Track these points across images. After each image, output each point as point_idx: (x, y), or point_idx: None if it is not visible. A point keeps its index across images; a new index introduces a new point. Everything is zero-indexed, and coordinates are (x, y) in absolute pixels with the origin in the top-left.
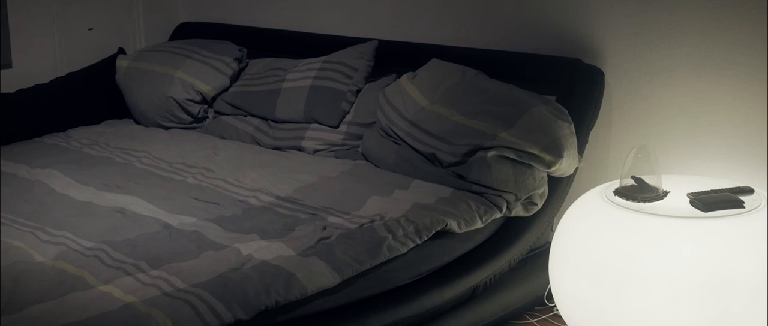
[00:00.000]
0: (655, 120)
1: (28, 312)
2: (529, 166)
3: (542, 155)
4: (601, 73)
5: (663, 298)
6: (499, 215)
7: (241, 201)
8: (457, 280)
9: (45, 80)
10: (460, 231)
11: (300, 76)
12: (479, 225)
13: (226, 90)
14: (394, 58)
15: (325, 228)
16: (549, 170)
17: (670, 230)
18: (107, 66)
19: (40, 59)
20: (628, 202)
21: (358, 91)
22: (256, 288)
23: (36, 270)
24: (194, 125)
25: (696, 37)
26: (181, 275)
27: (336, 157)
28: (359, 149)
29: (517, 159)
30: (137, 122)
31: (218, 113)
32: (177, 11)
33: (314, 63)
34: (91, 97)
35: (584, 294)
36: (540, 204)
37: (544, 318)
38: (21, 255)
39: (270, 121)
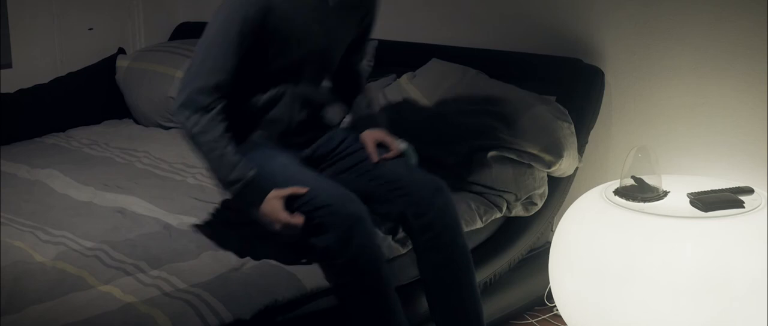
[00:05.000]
0: (655, 120)
1: (28, 312)
2: (529, 166)
3: (542, 155)
4: (601, 73)
5: (663, 298)
6: (499, 215)
7: None
8: None
9: (45, 80)
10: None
11: None
12: (479, 225)
13: None
14: (394, 58)
15: None
16: (549, 170)
17: (670, 230)
18: (107, 66)
19: (40, 59)
20: (628, 202)
21: None
22: (256, 288)
23: (36, 270)
24: None
25: (696, 37)
26: (181, 275)
27: None
28: None
29: (517, 159)
30: (137, 122)
31: None
32: (177, 11)
33: None
34: (91, 97)
35: (584, 294)
36: (540, 204)
37: (544, 318)
38: (21, 255)
39: None
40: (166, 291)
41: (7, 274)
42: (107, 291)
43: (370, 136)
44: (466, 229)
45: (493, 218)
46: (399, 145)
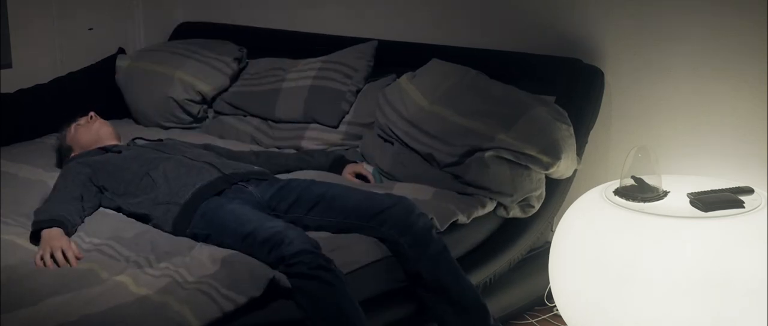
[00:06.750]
0: (655, 120)
1: (44, 305)
2: (526, 168)
3: (540, 156)
4: (601, 73)
5: (663, 298)
6: (482, 211)
7: None
8: None
9: (45, 80)
10: (441, 229)
11: (300, 76)
12: (463, 219)
13: (225, 90)
14: (394, 58)
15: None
16: (547, 172)
17: (670, 230)
18: (107, 66)
19: (40, 59)
20: (628, 202)
21: (358, 91)
22: (256, 265)
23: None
24: (194, 125)
25: (696, 37)
26: (188, 268)
27: None
28: (358, 149)
29: (515, 160)
30: (137, 122)
31: (218, 113)
32: (177, 11)
33: (314, 63)
34: (91, 97)
35: (584, 294)
36: (537, 207)
37: (544, 318)
38: (29, 253)
39: (270, 121)
40: (178, 280)
41: (17, 271)
42: (120, 282)
43: (349, 172)
44: (447, 222)
45: (476, 214)
46: (370, 172)
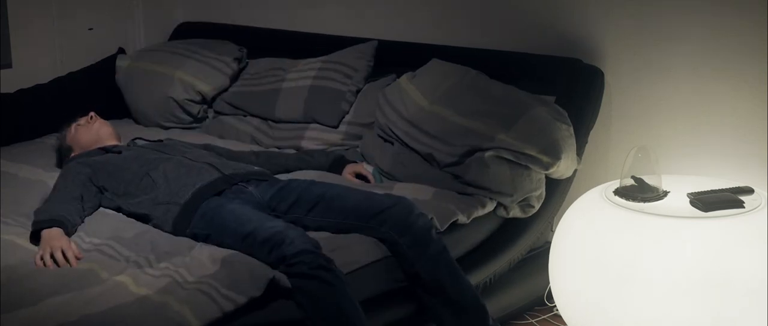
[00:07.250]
0: (655, 120)
1: (44, 305)
2: (526, 168)
3: (540, 156)
4: (601, 73)
5: (663, 298)
6: (482, 211)
7: None
8: None
9: (45, 80)
10: (441, 229)
11: (300, 76)
12: (463, 219)
13: (225, 90)
14: (394, 58)
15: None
16: (547, 172)
17: (670, 230)
18: (107, 66)
19: (40, 59)
20: (628, 202)
21: (358, 91)
22: (256, 265)
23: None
24: (194, 125)
25: (696, 37)
26: (188, 268)
27: None
28: (358, 149)
29: (515, 160)
30: (137, 122)
31: (218, 113)
32: (177, 11)
33: (314, 63)
34: (91, 97)
35: (584, 294)
36: (537, 207)
37: (544, 318)
38: (28, 253)
39: (270, 121)
40: (178, 280)
41: (17, 271)
42: (120, 282)
43: (349, 172)
44: (447, 222)
45: (476, 214)
46: (370, 172)
